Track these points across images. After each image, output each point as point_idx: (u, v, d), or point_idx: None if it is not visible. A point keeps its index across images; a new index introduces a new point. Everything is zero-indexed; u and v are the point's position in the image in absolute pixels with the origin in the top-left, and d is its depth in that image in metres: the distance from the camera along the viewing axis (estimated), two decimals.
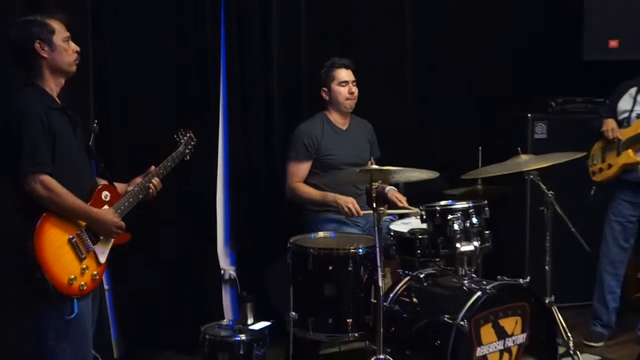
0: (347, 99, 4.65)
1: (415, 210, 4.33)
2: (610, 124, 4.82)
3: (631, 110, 4.83)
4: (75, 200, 3.12)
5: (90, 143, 3.62)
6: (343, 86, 4.64)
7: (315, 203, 4.56)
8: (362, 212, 4.41)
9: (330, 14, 5.30)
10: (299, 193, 4.58)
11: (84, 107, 4.26)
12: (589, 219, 4.90)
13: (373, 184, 3.73)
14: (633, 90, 4.86)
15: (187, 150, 3.73)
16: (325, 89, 4.68)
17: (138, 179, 3.49)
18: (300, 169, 4.58)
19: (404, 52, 5.67)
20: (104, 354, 4.29)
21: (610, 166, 4.85)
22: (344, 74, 4.65)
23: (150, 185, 3.47)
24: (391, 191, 4.60)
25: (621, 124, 4.85)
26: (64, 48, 3.18)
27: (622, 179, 4.85)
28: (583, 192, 5.00)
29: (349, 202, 4.40)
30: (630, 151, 4.75)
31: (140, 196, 3.43)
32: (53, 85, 3.20)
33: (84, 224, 3.18)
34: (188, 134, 3.76)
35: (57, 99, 3.21)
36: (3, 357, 4.14)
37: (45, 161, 3.04)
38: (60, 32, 3.18)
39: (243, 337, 4.31)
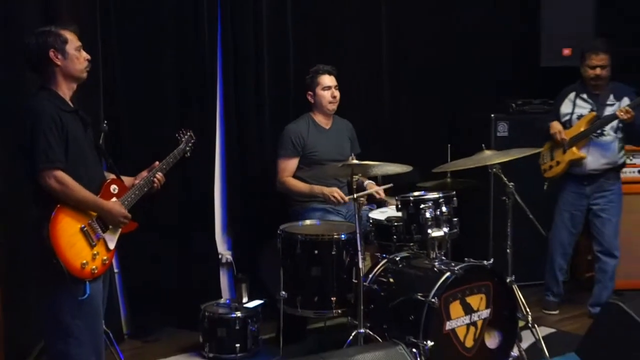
0: (330, 102, 4.64)
1: (387, 197, 4.35)
2: (556, 127, 4.87)
3: (572, 113, 4.90)
4: (86, 193, 3.09)
5: (100, 141, 3.60)
6: (326, 90, 4.63)
7: (303, 195, 4.55)
8: (346, 198, 4.39)
9: (314, 26, 5.29)
10: (288, 186, 4.56)
11: (94, 109, 4.23)
12: (545, 208, 4.93)
13: (354, 177, 3.72)
14: (572, 95, 4.93)
15: (187, 148, 3.72)
16: (310, 92, 4.67)
17: (144, 173, 3.47)
18: (289, 165, 4.57)
19: (380, 62, 5.67)
20: (114, 330, 4.26)
21: (558, 163, 4.91)
22: (327, 80, 4.63)
23: (155, 179, 3.45)
24: (370, 184, 4.59)
25: (564, 125, 4.90)
26: (76, 56, 3.16)
27: (570, 173, 4.91)
28: (540, 183, 5.06)
29: (334, 192, 4.39)
30: (574, 148, 4.81)
31: (145, 189, 3.41)
32: (66, 90, 3.17)
33: (94, 214, 3.16)
34: (188, 133, 3.75)
35: (69, 102, 3.18)
36: (26, 332, 4.11)
37: (59, 158, 3.02)
38: (72, 42, 3.15)
39: (239, 314, 4.34)
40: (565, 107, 4.93)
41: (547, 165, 4.98)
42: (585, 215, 4.98)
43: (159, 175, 3.46)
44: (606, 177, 4.89)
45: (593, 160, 4.82)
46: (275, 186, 4.71)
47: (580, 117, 4.85)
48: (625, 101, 4.77)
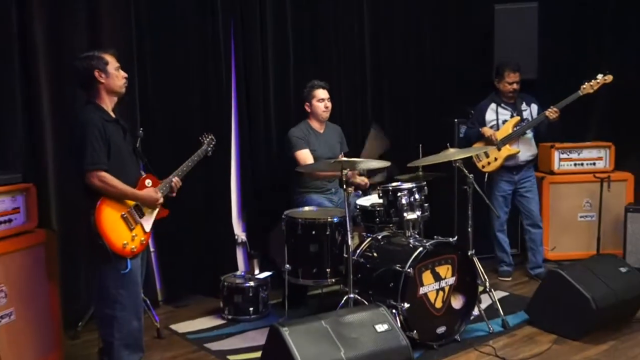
0: (324, 111, 4.62)
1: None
2: (488, 131, 4.92)
3: (497, 119, 4.97)
4: (125, 187, 3.09)
5: (137, 145, 3.58)
6: (320, 102, 4.60)
7: (326, 177, 4.51)
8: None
9: (310, 46, 5.25)
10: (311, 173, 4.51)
11: (132, 118, 4.22)
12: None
13: (343, 171, 3.72)
14: (493, 105, 5.01)
15: (209, 148, 3.71)
16: (307, 103, 4.64)
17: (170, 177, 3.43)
18: (305, 154, 4.49)
19: (364, 77, 5.63)
20: (151, 298, 4.27)
21: (496, 159, 4.95)
22: (321, 93, 4.61)
23: (173, 183, 3.40)
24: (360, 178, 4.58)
25: (491, 129, 4.95)
26: (116, 75, 3.15)
27: (503, 165, 4.96)
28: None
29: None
30: (508, 146, 4.90)
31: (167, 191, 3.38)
32: (108, 103, 3.17)
33: (132, 203, 3.15)
34: (210, 136, 3.74)
35: (111, 113, 3.18)
36: (79, 301, 4.12)
37: (102, 160, 3.02)
38: (112, 63, 3.14)
39: (252, 283, 4.34)
40: (490, 115, 5.00)
41: (485, 162, 5.00)
42: (512, 197, 5.05)
43: (176, 179, 3.42)
44: (528, 166, 5.03)
45: (523, 153, 4.93)
46: (280, 179, 4.68)
47: (504, 121, 4.94)
48: (534, 107, 4.97)
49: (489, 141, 4.89)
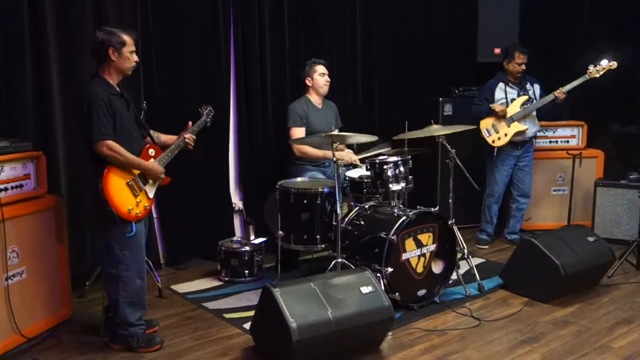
0: (324, 84, 4.57)
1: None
2: (498, 107, 4.89)
3: (505, 97, 4.94)
4: (131, 156, 3.10)
5: (141, 117, 3.57)
6: (321, 76, 4.56)
7: (315, 155, 4.47)
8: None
9: (305, 26, 5.21)
10: (302, 149, 4.46)
11: (136, 91, 4.19)
12: (477, 168, 4.92)
13: (333, 144, 3.72)
14: (502, 85, 4.97)
15: (208, 119, 3.65)
16: (309, 78, 4.57)
17: (182, 133, 3.44)
18: (298, 132, 4.47)
19: (355, 57, 5.60)
20: (153, 260, 4.30)
21: (506, 135, 4.92)
22: (322, 68, 4.56)
23: (187, 140, 3.41)
24: (348, 152, 4.57)
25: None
26: (128, 57, 3.13)
27: (511, 141, 4.95)
28: (473, 151, 5.10)
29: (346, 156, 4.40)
30: (517, 123, 4.89)
31: (176, 151, 3.38)
32: (115, 78, 3.16)
33: (137, 172, 3.15)
34: (208, 108, 3.67)
35: (116, 87, 3.16)
36: (86, 262, 4.15)
37: (108, 131, 3.03)
38: (129, 46, 3.12)
39: (247, 248, 4.36)
40: (499, 94, 4.96)
41: (496, 137, 4.96)
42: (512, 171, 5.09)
43: (189, 135, 3.43)
44: (530, 142, 5.06)
45: (530, 130, 4.94)
46: (275, 150, 4.67)
47: (512, 100, 4.92)
48: (537, 87, 4.98)
49: (498, 116, 4.89)
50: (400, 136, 4.19)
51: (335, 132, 3.78)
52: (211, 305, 3.90)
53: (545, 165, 5.47)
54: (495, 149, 5.00)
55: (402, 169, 3.98)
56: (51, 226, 3.48)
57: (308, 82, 4.61)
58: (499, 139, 4.96)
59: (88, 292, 4.01)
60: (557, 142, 5.56)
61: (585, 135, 5.54)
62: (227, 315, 3.72)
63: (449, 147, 4.15)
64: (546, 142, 5.56)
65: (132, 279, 3.18)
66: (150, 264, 4.00)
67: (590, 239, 4.14)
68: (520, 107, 4.87)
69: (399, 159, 4.00)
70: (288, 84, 5.08)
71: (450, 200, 4.21)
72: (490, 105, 4.92)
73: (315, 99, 4.63)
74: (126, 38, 3.11)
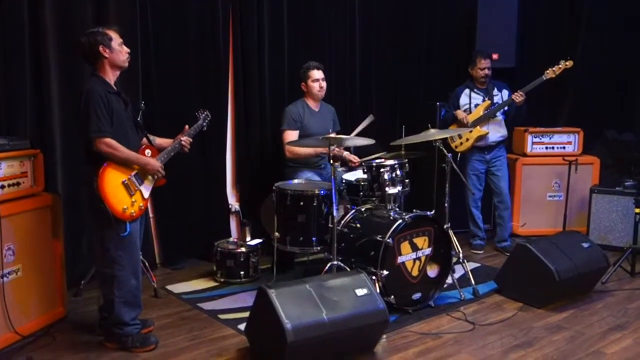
0: (318, 90, 4.57)
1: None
2: (461, 114, 4.99)
3: (469, 103, 5.03)
4: (130, 153, 3.10)
5: (138, 117, 3.56)
6: (315, 82, 4.56)
7: (308, 154, 4.48)
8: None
9: (304, 29, 5.21)
10: (293, 151, 4.46)
11: (134, 92, 4.18)
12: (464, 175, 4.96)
13: (331, 147, 3.72)
14: (467, 91, 5.06)
15: (204, 124, 3.66)
16: (304, 83, 4.60)
17: (179, 136, 3.43)
18: (291, 135, 4.48)
19: (354, 63, 5.61)
20: (149, 260, 4.30)
21: (467, 139, 4.99)
22: (316, 74, 4.56)
23: (183, 143, 3.41)
24: (346, 154, 4.58)
25: (464, 112, 5.01)
26: (119, 50, 3.13)
27: (474, 146, 5.01)
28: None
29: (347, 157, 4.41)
30: (478, 127, 4.94)
31: (172, 154, 3.37)
32: (111, 76, 3.15)
33: (133, 171, 3.14)
34: (205, 112, 3.68)
35: (114, 86, 3.16)
36: (82, 261, 4.14)
37: (107, 129, 3.01)
38: (116, 39, 3.12)
39: (243, 249, 4.36)
40: (464, 100, 5.06)
41: (458, 142, 5.06)
42: (485, 176, 5.10)
43: (185, 138, 3.42)
44: (499, 147, 5.08)
45: (492, 134, 4.98)
46: (271, 154, 4.66)
47: (477, 105, 4.99)
48: (505, 92, 5.02)
49: (461, 123, 4.95)
50: (398, 141, 4.19)
51: (332, 135, 3.77)
52: (206, 305, 3.89)
53: (541, 171, 5.48)
54: (459, 154, 5.05)
55: (398, 172, 3.98)
56: (47, 224, 3.46)
57: (303, 87, 4.62)
58: (461, 144, 5.04)
59: (83, 291, 4.00)
60: (553, 148, 5.57)
61: (582, 142, 5.55)
62: (222, 316, 3.71)
63: (445, 151, 4.16)
64: (542, 148, 5.57)
65: (127, 278, 3.16)
66: (146, 263, 3.99)
67: (585, 245, 4.14)
68: (483, 112, 4.93)
69: (396, 162, 4.00)
70: (286, 86, 5.08)
71: (446, 205, 4.21)
72: (454, 112, 5.00)
73: (311, 102, 4.63)
74: (110, 33, 3.11)
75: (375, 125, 5.61)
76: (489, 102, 4.95)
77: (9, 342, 3.19)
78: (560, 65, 4.70)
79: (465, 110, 5.00)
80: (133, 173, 3.14)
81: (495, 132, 4.98)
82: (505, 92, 5.00)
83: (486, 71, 4.95)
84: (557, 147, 5.57)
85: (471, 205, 5.14)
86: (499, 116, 4.97)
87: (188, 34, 4.57)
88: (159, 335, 3.37)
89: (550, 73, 4.72)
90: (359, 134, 4.53)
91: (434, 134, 4.09)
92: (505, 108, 4.95)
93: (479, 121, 4.92)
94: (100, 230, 3.09)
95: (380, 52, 5.78)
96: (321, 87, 4.58)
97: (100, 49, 3.06)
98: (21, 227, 3.27)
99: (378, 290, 3.36)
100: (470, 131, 4.92)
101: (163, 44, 4.46)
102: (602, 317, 3.75)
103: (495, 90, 5.02)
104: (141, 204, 3.17)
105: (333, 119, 4.77)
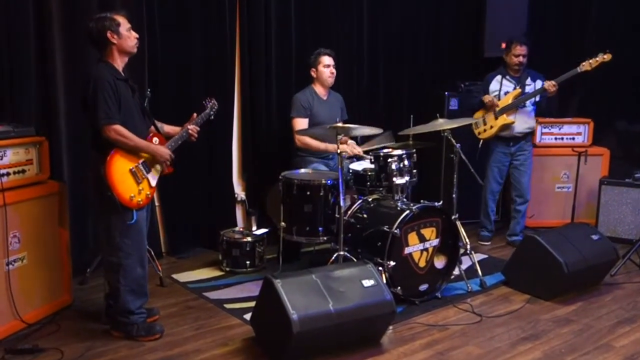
0: (329, 77, 4.53)
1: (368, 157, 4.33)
2: (489, 97, 4.86)
3: (499, 90, 4.89)
4: (139, 140, 3.08)
5: (145, 104, 3.55)
6: (326, 68, 4.52)
7: (316, 148, 4.45)
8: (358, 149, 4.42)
9: (311, 16, 5.17)
10: (305, 141, 4.44)
11: (141, 79, 4.18)
12: (481, 164, 4.92)
13: (338, 136, 3.69)
14: (499, 77, 4.91)
15: (211, 112, 3.62)
16: (314, 69, 4.55)
17: (186, 125, 3.41)
18: (301, 123, 4.46)
19: (362, 53, 5.57)
20: (155, 249, 4.30)
21: (492, 127, 4.88)
22: (327, 60, 4.52)
23: (190, 131, 3.39)
24: (351, 144, 4.56)
25: None
26: (127, 36, 3.10)
27: (499, 136, 4.89)
28: (478, 145, 5.01)
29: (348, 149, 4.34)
30: (504, 115, 4.81)
31: (180, 142, 3.35)
32: (119, 62, 3.12)
33: (141, 159, 3.12)
34: (212, 101, 3.64)
35: (122, 72, 3.13)
36: (88, 249, 4.15)
37: (115, 115, 2.99)
38: (124, 24, 3.09)
39: (249, 239, 4.36)
40: (494, 86, 4.91)
41: (482, 129, 4.94)
42: (508, 169, 5.00)
43: (192, 127, 3.41)
44: (526, 139, 4.94)
45: (519, 125, 4.84)
46: (277, 143, 4.64)
47: (506, 93, 4.85)
48: (539, 82, 4.81)
49: (489, 108, 4.84)
50: (406, 131, 4.17)
51: (340, 124, 3.75)
52: (212, 295, 3.89)
53: (550, 162, 5.45)
54: (481, 141, 4.97)
55: (406, 162, 3.95)
56: (53, 212, 3.46)
57: (313, 73, 4.58)
58: (484, 130, 4.93)
59: (89, 279, 4.00)
60: (562, 139, 5.53)
61: (592, 133, 5.51)
62: (227, 306, 3.71)
63: (453, 141, 4.12)
64: (552, 138, 5.53)
65: (133, 267, 3.16)
66: (152, 252, 4.00)
67: (594, 237, 4.11)
68: (512, 100, 4.80)
69: (404, 152, 3.97)
70: (293, 73, 5.05)
71: (454, 195, 4.18)
72: (483, 96, 4.89)
73: (320, 90, 4.60)
74: (118, 18, 3.08)
75: (382, 116, 5.63)
76: (519, 90, 4.79)
77: (15, 330, 3.20)
78: (597, 58, 4.49)
79: (494, 97, 4.86)
80: (141, 161, 3.13)
81: (523, 122, 4.83)
82: (539, 83, 4.79)
83: (520, 58, 4.76)
84: (567, 138, 5.53)
85: (488, 196, 5.06)
86: (529, 106, 4.83)
87: (194, 20, 4.54)
88: (165, 324, 3.37)
89: (586, 65, 4.52)
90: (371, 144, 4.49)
91: (442, 123, 4.06)
92: (537, 98, 4.78)
93: (506, 109, 4.78)
94: (107, 218, 3.09)
95: (388, 41, 5.74)
96: (332, 73, 4.54)
97: (108, 34, 3.04)
98: (27, 214, 3.27)
99: (385, 281, 3.35)
100: (496, 119, 4.82)
101: (169, 30, 4.44)
102: (611, 310, 3.73)
103: (529, 79, 4.84)
104: (148, 192, 3.16)
105: (341, 107, 4.74)
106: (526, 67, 4.86)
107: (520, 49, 4.76)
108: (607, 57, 4.49)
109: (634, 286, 4.14)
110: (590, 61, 4.53)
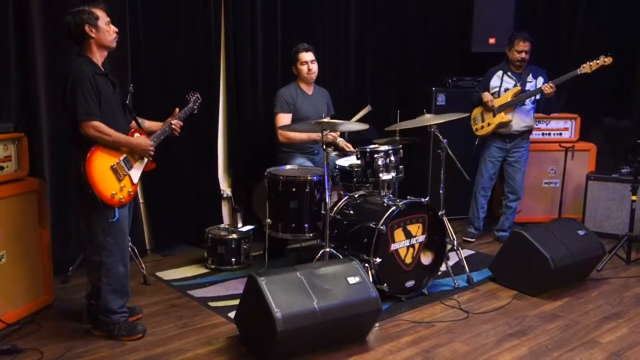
0: (307, 74, 4.51)
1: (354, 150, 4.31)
2: (487, 96, 4.81)
3: (500, 87, 4.83)
4: (118, 134, 3.03)
5: (127, 100, 3.49)
6: (304, 65, 4.49)
7: (299, 139, 4.43)
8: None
9: (298, 12, 5.14)
10: (286, 135, 4.42)
11: (123, 74, 4.11)
12: (468, 160, 4.88)
13: (323, 131, 3.66)
14: (500, 73, 4.85)
15: (195, 106, 3.58)
16: (294, 66, 4.55)
17: (169, 119, 3.37)
18: (284, 119, 4.43)
19: (348, 47, 5.55)
20: (139, 247, 4.25)
21: (489, 124, 4.84)
22: (305, 56, 4.48)
23: (173, 126, 3.35)
24: (340, 141, 4.53)
25: (493, 95, 4.84)
26: (106, 30, 3.05)
27: (496, 132, 4.86)
28: (466, 141, 4.97)
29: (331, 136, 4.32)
30: (502, 113, 4.78)
31: (162, 137, 3.31)
32: (99, 57, 3.07)
33: (121, 155, 3.08)
34: (196, 94, 3.60)
35: (101, 67, 3.08)
36: (70, 247, 4.10)
37: (95, 111, 2.94)
38: (103, 18, 3.03)
39: (234, 235, 4.32)
40: (494, 82, 4.86)
41: (479, 126, 4.91)
42: (501, 165, 4.98)
43: (175, 122, 3.36)
44: (522, 137, 4.90)
45: (516, 123, 4.81)
46: (263, 138, 4.61)
47: (506, 90, 4.80)
48: (540, 80, 4.77)
49: (487, 106, 4.81)
50: (393, 126, 4.14)
51: (326, 120, 3.72)
52: (196, 293, 3.85)
53: (537, 158, 5.44)
54: (478, 138, 4.95)
55: (392, 158, 3.93)
56: (32, 210, 3.41)
57: (294, 70, 4.56)
58: (482, 127, 4.90)
59: (71, 278, 3.95)
60: (549, 134, 5.54)
61: (579, 128, 5.52)
62: (212, 304, 3.67)
63: (440, 137, 4.11)
64: (539, 134, 5.53)
65: (115, 266, 3.12)
66: (135, 250, 3.95)
67: (581, 232, 4.11)
68: (511, 98, 4.77)
69: (390, 148, 3.95)
70: (279, 68, 5.02)
71: (441, 191, 4.17)
72: (482, 93, 4.86)
73: (304, 85, 4.57)
74: (97, 11, 3.03)
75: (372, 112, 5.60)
76: (519, 88, 4.74)
77: None
78: (598, 61, 4.45)
79: (494, 94, 4.81)
80: (122, 157, 3.08)
81: (520, 121, 4.77)
82: (540, 80, 4.74)
83: (523, 55, 4.70)
84: (554, 134, 5.54)
85: (479, 192, 5.02)
86: (529, 105, 4.79)
87: (178, 13, 4.49)
88: (148, 323, 3.33)
89: (586, 68, 4.48)
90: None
91: (429, 119, 4.05)
92: (537, 97, 4.73)
93: (505, 107, 4.73)
94: (89, 216, 3.04)
95: (375, 36, 5.71)
96: (309, 70, 4.50)
97: (86, 28, 2.98)
98: (5, 212, 3.21)
99: (371, 278, 3.33)
100: (494, 116, 4.78)
101: (152, 24, 4.38)
102: (598, 305, 3.74)
103: (530, 76, 4.78)
104: (130, 190, 3.11)
105: (327, 103, 4.71)
106: (529, 63, 4.80)
107: (523, 45, 4.70)
108: (607, 60, 4.47)
109: (620, 281, 4.15)
110: (591, 63, 4.49)
